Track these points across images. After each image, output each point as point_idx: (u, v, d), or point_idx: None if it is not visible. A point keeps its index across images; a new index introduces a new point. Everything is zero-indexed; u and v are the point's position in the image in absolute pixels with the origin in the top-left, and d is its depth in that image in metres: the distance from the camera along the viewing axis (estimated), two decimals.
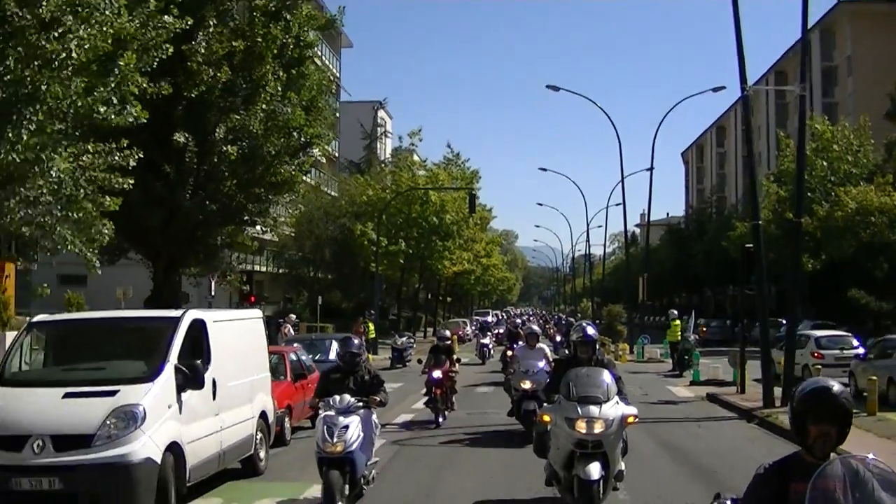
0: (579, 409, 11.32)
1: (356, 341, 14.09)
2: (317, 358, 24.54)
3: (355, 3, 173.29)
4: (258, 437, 15.54)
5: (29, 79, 12.57)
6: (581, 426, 11.23)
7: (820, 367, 29.52)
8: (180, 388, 12.38)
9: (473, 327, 75.31)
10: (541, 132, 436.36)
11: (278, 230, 30.22)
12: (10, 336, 23.17)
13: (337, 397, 12.41)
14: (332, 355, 24.85)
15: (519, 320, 68.43)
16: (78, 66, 13.07)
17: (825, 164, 57.00)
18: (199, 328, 13.44)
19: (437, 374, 22.57)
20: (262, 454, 15.81)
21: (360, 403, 12.50)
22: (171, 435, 11.97)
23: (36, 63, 12.62)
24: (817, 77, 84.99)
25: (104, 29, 13.07)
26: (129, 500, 11.35)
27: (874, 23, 79.54)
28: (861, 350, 31.09)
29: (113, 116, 14.02)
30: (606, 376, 11.87)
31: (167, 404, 12.10)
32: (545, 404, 12.55)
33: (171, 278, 23.41)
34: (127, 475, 11.26)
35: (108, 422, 11.45)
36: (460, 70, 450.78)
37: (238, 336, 15.04)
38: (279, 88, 22.57)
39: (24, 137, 12.73)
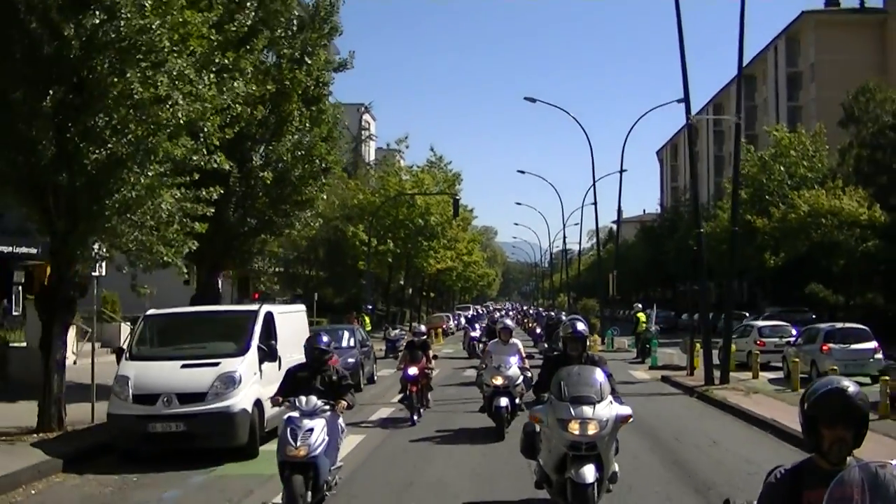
0: (572, 410, 11.10)
1: (325, 338, 13.35)
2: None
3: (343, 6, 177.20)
4: None
5: (149, 139, 17.72)
6: (574, 427, 11.02)
7: (759, 352, 35.03)
8: (261, 361, 17.63)
9: (456, 321, 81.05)
10: (519, 137, 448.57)
11: (299, 239, 35.08)
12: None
13: (303, 398, 12.26)
14: (345, 343, 30.13)
15: (498, 315, 71.57)
16: (181, 128, 18.25)
17: (783, 168, 62.50)
18: (269, 318, 18.79)
19: (412, 370, 22.24)
20: None
21: (327, 406, 12.27)
22: (256, 394, 17.19)
23: (152, 127, 17.75)
24: (783, 82, 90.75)
25: (201, 101, 18.28)
26: (231, 438, 16.59)
27: (837, 32, 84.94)
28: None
29: (203, 164, 19.29)
30: (599, 375, 11.66)
31: (253, 372, 17.36)
32: (536, 406, 12.17)
33: (213, 280, 28.61)
34: (231, 420, 16.50)
35: (215, 384, 16.68)
36: (442, 76, 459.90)
37: (291, 324, 20.39)
38: (304, 122, 27.90)
39: (143, 181, 17.91)
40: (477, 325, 50.25)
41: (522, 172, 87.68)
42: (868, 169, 60.28)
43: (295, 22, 27.92)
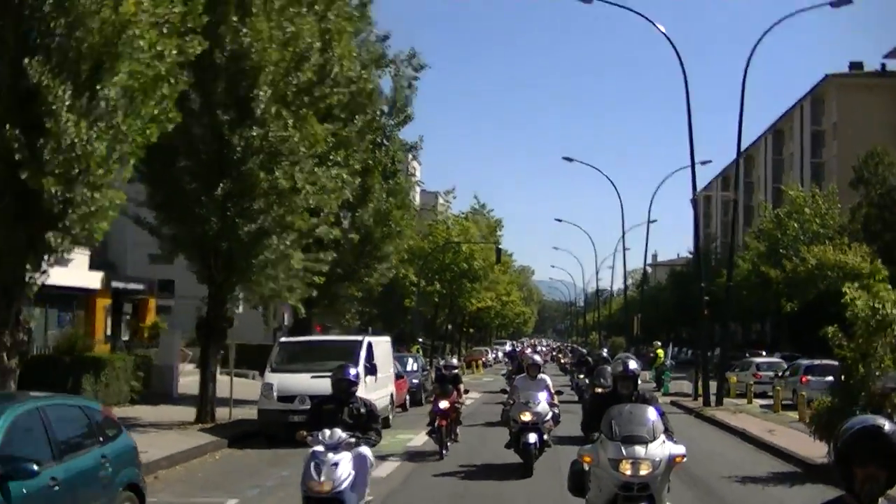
0: (623, 450, 10.89)
1: (353, 371, 13.18)
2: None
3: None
4: (389, 406, 28.41)
5: (286, 217, 25.49)
6: (626, 468, 10.83)
7: (754, 383, 42.35)
8: (366, 375, 25.18)
9: (494, 355, 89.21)
10: (556, 190, 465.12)
11: (375, 286, 42.47)
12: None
13: (327, 432, 11.96)
14: (409, 367, 37.71)
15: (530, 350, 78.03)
16: (309, 208, 26.08)
17: (796, 224, 69.54)
18: (369, 345, 26.42)
19: (443, 404, 22.38)
20: (390, 417, 28.61)
21: (353, 439, 11.99)
22: (367, 398, 24.70)
23: (289, 209, 25.52)
24: (807, 139, 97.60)
25: (325, 191, 26.20)
26: None
27: (858, 94, 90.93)
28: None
29: (325, 235, 27.25)
30: (651, 413, 11.45)
31: (363, 381, 24.87)
32: (585, 445, 11.91)
33: (308, 319, 36.28)
34: None
35: None
36: (488, 132, 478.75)
37: (382, 349, 28.07)
38: (382, 194, 35.77)
39: (281, 247, 25.66)
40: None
41: (560, 220, 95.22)
42: (875, 227, 66.94)
43: (378, 112, 35.83)
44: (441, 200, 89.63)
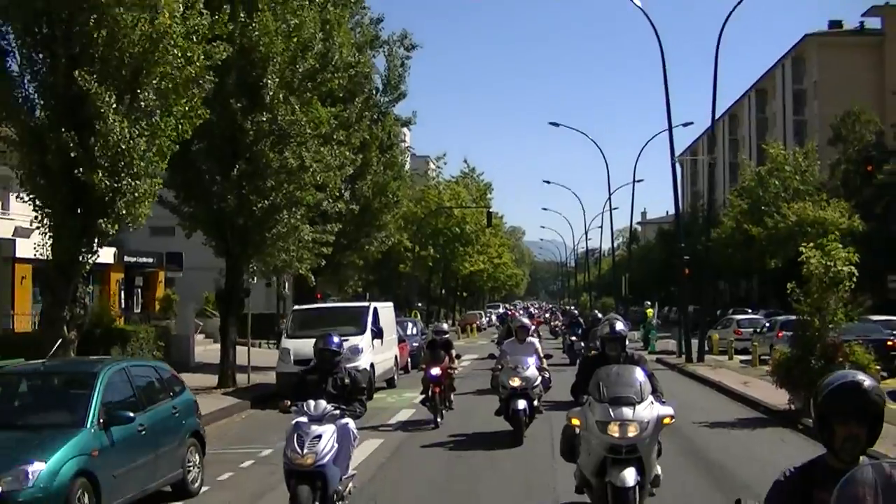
0: (611, 412, 10.83)
1: (336, 339, 12.88)
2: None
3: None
4: (394, 367, 31.04)
5: (296, 193, 28.00)
6: (614, 430, 10.76)
7: (735, 339, 44.96)
8: (373, 338, 27.77)
9: (487, 318, 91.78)
10: (545, 152, 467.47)
11: (374, 253, 45.05)
12: None
13: (312, 402, 11.79)
14: (409, 331, 40.30)
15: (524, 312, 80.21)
16: (316, 184, 28.63)
17: (777, 182, 72.02)
18: (375, 310, 29.01)
19: (435, 370, 22.11)
20: (395, 378, 31.19)
21: (337, 411, 11.82)
22: (370, 359, 27.37)
23: (298, 185, 28.05)
24: (789, 98, 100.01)
25: (330, 168, 28.79)
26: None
27: (838, 52, 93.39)
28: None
29: (329, 208, 29.84)
30: (639, 374, 11.41)
31: (369, 345, 27.52)
32: (574, 408, 11.96)
33: (306, 283, 38.88)
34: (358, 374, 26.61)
35: (346, 352, 26.51)
36: (475, 97, 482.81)
37: (386, 314, 30.66)
38: (380, 167, 38.35)
39: (291, 221, 28.21)
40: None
41: (548, 182, 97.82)
42: (854, 183, 69.62)
43: (374, 90, 38.39)
44: (432, 166, 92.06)
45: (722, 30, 43.21)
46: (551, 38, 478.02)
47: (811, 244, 24.20)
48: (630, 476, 10.64)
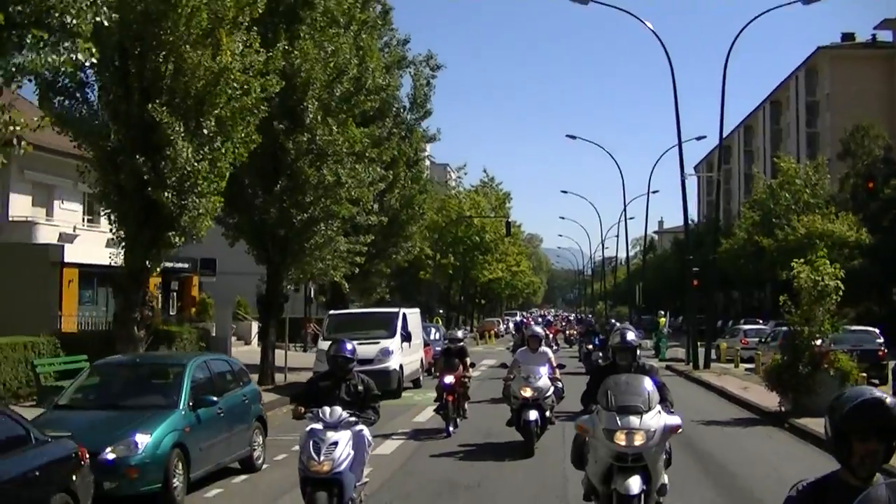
0: (618, 420, 10.96)
1: (349, 346, 12.91)
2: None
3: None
4: (420, 369, 33.67)
5: (332, 207, 30.70)
6: (620, 438, 10.89)
7: (741, 348, 47.36)
8: (402, 342, 30.37)
9: (505, 325, 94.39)
10: (563, 164, 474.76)
11: (401, 262, 47.92)
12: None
13: (327, 409, 11.86)
14: (432, 336, 42.91)
15: (540, 320, 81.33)
16: (350, 198, 31.34)
17: (788, 195, 74.40)
18: (404, 315, 31.65)
19: (448, 379, 22.07)
20: (420, 378, 33.79)
21: (353, 418, 11.90)
22: (400, 360, 30.01)
23: (334, 200, 30.76)
24: (802, 109, 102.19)
25: (363, 184, 31.52)
26: (388, 386, 29.04)
27: (850, 65, 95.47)
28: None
29: (363, 221, 32.57)
30: (648, 384, 11.52)
31: (398, 348, 30.14)
32: (583, 416, 11.99)
33: (340, 289, 41.69)
34: (388, 375, 29.21)
35: (378, 354, 29.42)
36: (494, 109, 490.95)
37: (413, 319, 33.30)
38: (407, 181, 41.10)
39: (328, 232, 30.91)
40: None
41: (565, 192, 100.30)
42: (861, 196, 71.92)
43: (402, 109, 41.17)
44: (452, 175, 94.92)
45: (730, 51, 45.60)
46: (569, 55, 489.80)
47: (802, 260, 26.57)
48: (635, 484, 10.77)
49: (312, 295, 48.60)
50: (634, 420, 10.94)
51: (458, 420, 22.52)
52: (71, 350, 28.37)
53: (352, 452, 11.63)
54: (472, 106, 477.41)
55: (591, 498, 11.81)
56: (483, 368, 32.73)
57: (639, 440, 10.86)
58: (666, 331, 55.42)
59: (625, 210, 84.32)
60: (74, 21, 12.34)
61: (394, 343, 30.24)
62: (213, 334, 39.37)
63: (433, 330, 44.26)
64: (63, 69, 15.28)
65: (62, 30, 12.36)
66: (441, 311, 72.13)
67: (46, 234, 39.74)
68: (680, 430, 11.56)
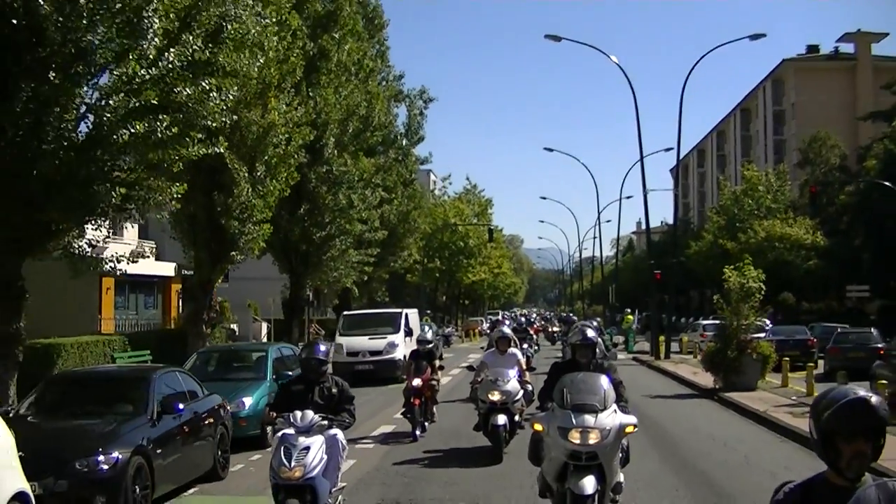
0: (573, 419, 10.94)
1: (322, 347, 12.79)
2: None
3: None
4: None
5: (345, 225, 37.46)
6: (575, 436, 10.87)
7: (700, 341, 53.97)
8: (405, 336, 37.07)
9: (488, 324, 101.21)
10: (541, 172, 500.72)
11: (399, 270, 54.90)
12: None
13: (298, 413, 11.67)
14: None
15: (523, 319, 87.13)
16: (360, 217, 38.14)
17: (751, 201, 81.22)
18: (407, 315, 38.50)
19: (416, 381, 21.71)
20: None
21: (325, 422, 11.72)
22: (403, 352, 36.54)
23: (347, 219, 37.50)
24: (770, 118, 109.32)
25: (372, 207, 38.31)
26: (393, 373, 35.64)
27: (814, 76, 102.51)
28: None
29: (371, 236, 39.34)
30: (604, 382, 11.52)
31: (402, 341, 36.88)
32: (538, 412, 12.02)
33: (349, 294, 48.48)
34: (394, 365, 35.85)
35: (386, 346, 36.09)
36: (477, 124, 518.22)
37: (413, 318, 40.08)
38: (403, 198, 48.02)
39: (342, 247, 37.69)
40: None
41: (544, 198, 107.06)
42: (820, 201, 78.59)
43: (399, 135, 48.10)
44: (437, 182, 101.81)
45: (685, 83, 52.41)
46: (546, 79, 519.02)
47: (732, 266, 33.27)
48: (589, 484, 10.74)
49: (311, 298, 55.10)
50: (589, 419, 10.98)
51: (426, 424, 22.12)
52: (135, 346, 34.98)
53: (325, 457, 11.51)
54: (457, 120, 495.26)
55: (545, 495, 11.88)
56: (463, 365, 36.52)
57: (593, 439, 10.89)
58: (634, 326, 62.24)
59: (598, 216, 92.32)
60: (214, 124, 19.00)
61: (398, 337, 36.88)
62: (237, 333, 45.89)
63: (426, 328, 50.84)
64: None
65: (206, 131, 19.05)
66: (428, 311, 78.86)
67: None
68: (635, 430, 11.60)
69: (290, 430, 11.58)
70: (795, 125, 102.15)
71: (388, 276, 52.65)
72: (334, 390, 12.31)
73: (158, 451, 14.19)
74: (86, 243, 20.89)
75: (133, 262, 23.62)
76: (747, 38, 49.40)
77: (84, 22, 16.09)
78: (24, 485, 11.26)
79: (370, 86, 40.11)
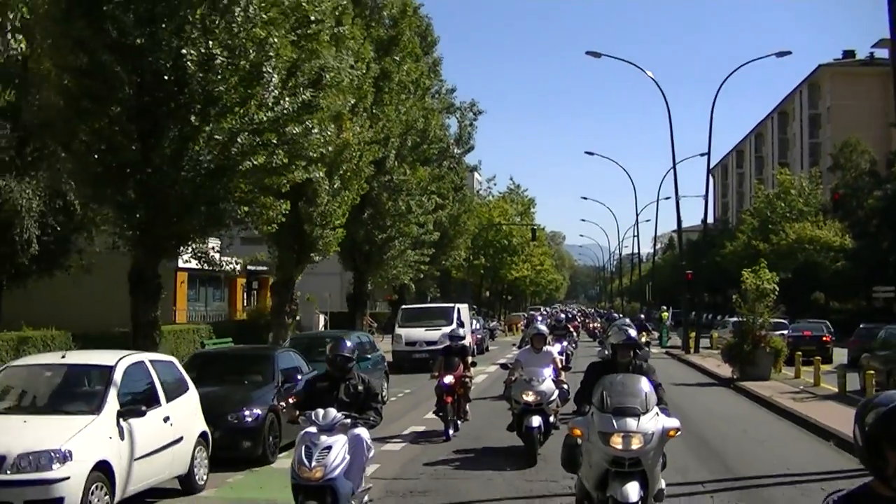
0: (615, 423, 10.52)
1: (348, 343, 12.71)
2: None
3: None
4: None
5: (405, 228, 42.13)
6: (617, 441, 10.46)
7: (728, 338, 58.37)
8: (458, 328, 41.27)
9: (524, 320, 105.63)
10: (583, 174, 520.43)
11: (451, 268, 59.63)
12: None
13: (321, 411, 11.45)
14: (474, 325, 54.07)
15: (563, 315, 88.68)
16: (417, 221, 42.80)
17: (784, 204, 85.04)
18: (459, 309, 43.16)
19: (447, 379, 21.22)
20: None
21: (349, 420, 11.50)
22: None
23: (404, 223, 42.14)
24: (806, 121, 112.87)
25: (427, 213, 43.04)
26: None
27: (849, 81, 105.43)
28: None
29: (426, 238, 44.06)
30: (645, 384, 11.09)
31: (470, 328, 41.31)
32: (577, 417, 11.50)
33: (403, 292, 53.15)
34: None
35: (440, 336, 40.38)
36: (520, 120, 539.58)
37: (465, 311, 44.75)
38: (455, 203, 52.74)
39: (401, 247, 42.36)
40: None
41: (585, 199, 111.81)
42: (850, 205, 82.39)
43: (450, 145, 52.81)
44: (481, 181, 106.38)
45: (716, 96, 56.38)
46: (587, 89, 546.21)
47: (750, 270, 37.53)
48: (633, 491, 10.44)
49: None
50: (632, 422, 10.55)
51: (458, 423, 21.75)
52: (218, 334, 39.79)
53: (347, 457, 11.31)
54: (503, 126, 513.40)
55: (584, 503, 11.47)
56: (501, 361, 38.11)
57: (636, 444, 10.50)
58: (668, 323, 66.59)
59: (637, 216, 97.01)
60: (315, 154, 23.68)
61: (453, 326, 41.43)
62: (301, 324, 50.67)
63: (474, 321, 55.51)
64: None
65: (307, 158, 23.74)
66: (475, 306, 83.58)
67: None
68: (679, 433, 11.19)
69: (313, 429, 11.42)
70: (830, 129, 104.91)
71: (439, 273, 57.24)
72: (360, 388, 12.09)
73: (284, 411, 18.80)
74: (211, 248, 25.27)
75: (241, 264, 27.85)
76: (774, 55, 53.34)
77: (218, 76, 20.73)
78: (205, 427, 15.97)
79: (426, 102, 44.75)
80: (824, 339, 47.17)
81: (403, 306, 46.38)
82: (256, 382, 19.46)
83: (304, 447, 11.26)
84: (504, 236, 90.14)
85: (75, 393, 14.09)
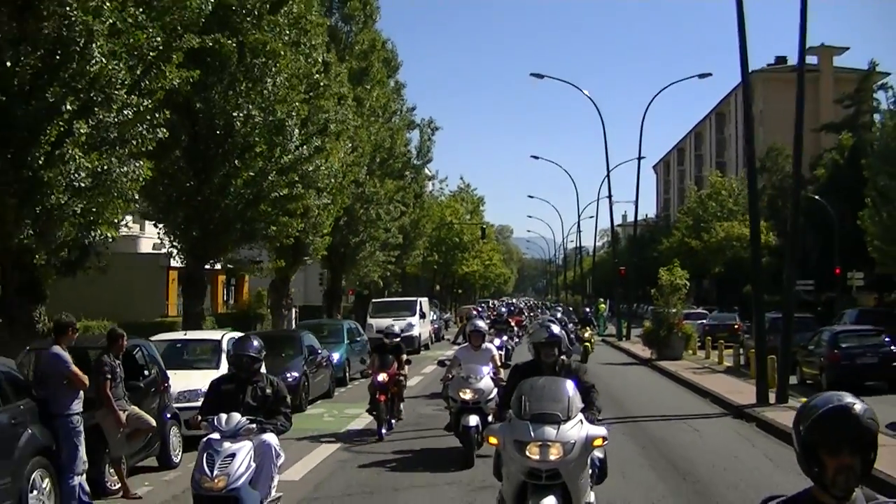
0: (532, 431, 9.85)
1: (255, 343, 11.98)
2: None
3: None
4: (429, 339, 53.48)
5: (375, 233, 50.31)
6: (533, 451, 9.79)
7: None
8: (420, 318, 50.02)
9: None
10: (529, 173, 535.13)
11: (411, 266, 67.98)
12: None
13: (224, 416, 11.13)
14: (431, 317, 62.36)
15: (504, 309, 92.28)
16: (385, 227, 51.08)
17: (714, 203, 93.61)
18: (421, 302, 51.75)
19: (381, 377, 21.07)
20: (430, 345, 53.45)
21: (254, 425, 11.16)
22: (419, 331, 49.68)
23: (374, 229, 50.29)
24: (741, 123, 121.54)
25: (394, 218, 51.33)
26: (413, 345, 48.31)
27: (780, 86, 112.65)
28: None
29: (392, 241, 52.41)
30: (568, 387, 10.38)
31: (418, 322, 49.95)
32: (496, 423, 11.28)
33: (374, 286, 61.30)
34: (413, 340, 48.64)
35: (406, 326, 48.66)
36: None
37: (425, 305, 53.35)
38: (415, 209, 61.09)
39: (371, 250, 50.59)
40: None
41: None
42: (776, 204, 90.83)
43: (412, 157, 61.25)
44: (436, 185, 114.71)
45: (645, 112, 64.83)
46: (534, 101, 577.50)
47: (666, 268, 45.99)
48: None
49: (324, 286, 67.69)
50: (550, 431, 9.86)
51: (392, 421, 21.85)
52: (221, 325, 47.60)
53: (253, 465, 10.98)
54: (454, 135, 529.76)
55: None
56: (449, 353, 42.38)
57: (554, 454, 9.77)
58: (606, 314, 75.34)
59: (579, 216, 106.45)
60: (322, 185, 31.82)
61: (415, 319, 49.46)
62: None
63: (432, 312, 63.68)
64: None
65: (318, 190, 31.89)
66: (434, 300, 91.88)
67: (145, 245, 58.17)
68: (605, 443, 10.50)
69: (216, 435, 11.11)
70: (763, 131, 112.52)
71: (399, 271, 65.68)
72: (268, 390, 11.73)
73: (309, 375, 27.14)
74: (243, 257, 33.30)
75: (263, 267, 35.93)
76: (696, 77, 62.10)
77: (256, 130, 28.79)
78: None
79: (392, 122, 52.96)
80: (736, 326, 55.94)
81: (374, 300, 54.60)
82: (290, 355, 27.73)
83: (205, 455, 10.98)
84: (455, 234, 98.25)
85: (200, 356, 22.35)
